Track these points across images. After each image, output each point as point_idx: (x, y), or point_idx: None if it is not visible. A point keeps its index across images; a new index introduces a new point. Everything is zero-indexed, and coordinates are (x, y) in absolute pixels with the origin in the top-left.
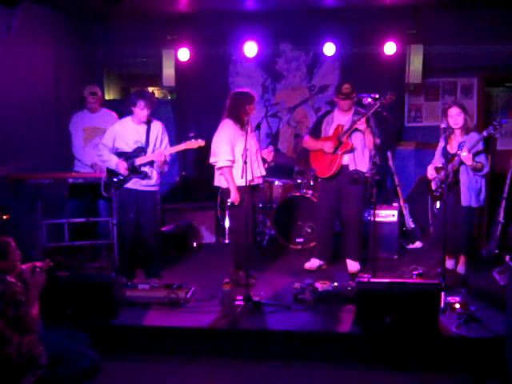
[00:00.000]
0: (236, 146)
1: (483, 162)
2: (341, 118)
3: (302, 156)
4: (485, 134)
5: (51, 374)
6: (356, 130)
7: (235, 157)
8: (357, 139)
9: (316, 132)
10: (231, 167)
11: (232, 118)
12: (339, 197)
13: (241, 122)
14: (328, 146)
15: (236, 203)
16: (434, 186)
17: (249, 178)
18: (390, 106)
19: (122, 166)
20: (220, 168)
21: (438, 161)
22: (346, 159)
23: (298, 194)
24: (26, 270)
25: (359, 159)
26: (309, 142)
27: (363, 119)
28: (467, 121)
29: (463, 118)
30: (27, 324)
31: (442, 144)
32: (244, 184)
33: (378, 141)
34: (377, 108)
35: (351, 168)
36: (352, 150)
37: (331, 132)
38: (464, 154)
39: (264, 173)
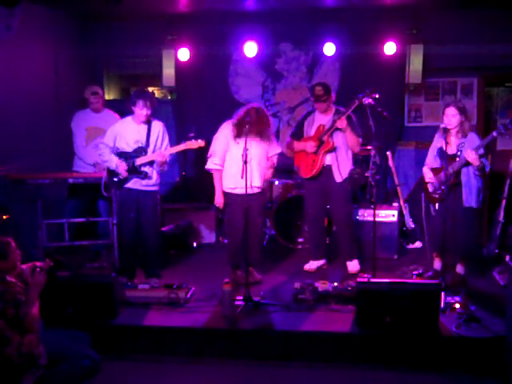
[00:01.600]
0: (229, 150)
1: (485, 162)
2: (322, 118)
3: None
4: (494, 134)
5: (51, 374)
6: (337, 129)
7: (227, 161)
8: (339, 139)
9: (298, 133)
10: (219, 170)
11: (233, 123)
12: (325, 196)
13: (238, 132)
14: (310, 146)
15: (219, 207)
16: (431, 189)
17: (232, 185)
18: (389, 106)
19: (121, 168)
20: (209, 170)
21: (432, 162)
22: (329, 159)
23: (297, 193)
24: (26, 269)
25: (342, 159)
26: (291, 144)
27: (343, 118)
28: (463, 123)
29: (458, 120)
30: (27, 324)
31: (438, 144)
32: (233, 192)
33: (360, 140)
34: (355, 107)
35: (334, 168)
36: (333, 150)
37: (313, 132)
38: (470, 154)
39: (258, 184)
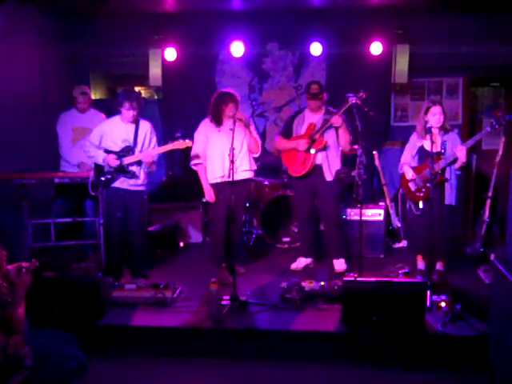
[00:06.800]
0: (209, 143)
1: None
2: (312, 117)
3: None
4: (489, 129)
5: (37, 375)
6: (329, 127)
7: (207, 154)
8: (330, 137)
9: (287, 132)
10: (201, 165)
11: (209, 117)
12: (314, 195)
13: (217, 121)
14: (301, 144)
15: (211, 201)
16: (413, 187)
17: (220, 174)
18: (376, 106)
19: (110, 158)
20: (195, 165)
21: (411, 161)
22: (319, 158)
23: (284, 193)
24: (12, 270)
25: (332, 158)
26: (281, 142)
27: (338, 115)
28: (445, 121)
29: (443, 118)
30: (13, 325)
31: (417, 143)
32: (219, 181)
33: (351, 138)
34: (347, 107)
35: (324, 167)
36: (325, 148)
37: (303, 131)
38: (461, 150)
39: (247, 167)
